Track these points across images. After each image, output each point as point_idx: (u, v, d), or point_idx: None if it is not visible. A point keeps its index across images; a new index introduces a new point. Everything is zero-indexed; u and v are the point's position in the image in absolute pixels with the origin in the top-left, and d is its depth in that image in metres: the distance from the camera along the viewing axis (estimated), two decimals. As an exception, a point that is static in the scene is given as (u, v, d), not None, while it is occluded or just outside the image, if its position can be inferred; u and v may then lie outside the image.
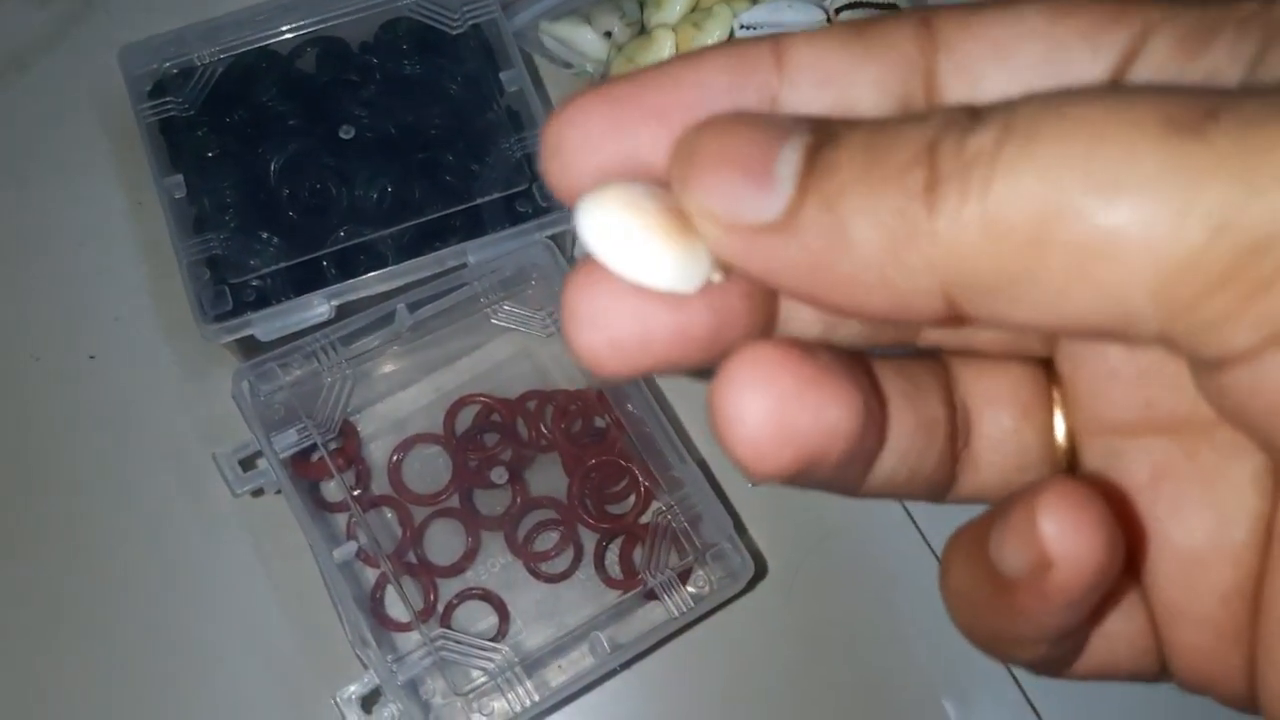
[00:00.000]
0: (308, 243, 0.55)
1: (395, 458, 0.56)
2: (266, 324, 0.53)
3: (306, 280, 0.54)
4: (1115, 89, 0.16)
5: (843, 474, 0.18)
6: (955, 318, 0.16)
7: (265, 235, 0.55)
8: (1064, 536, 0.16)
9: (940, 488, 0.21)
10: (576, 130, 0.18)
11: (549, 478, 0.56)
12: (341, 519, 0.54)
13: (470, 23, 0.60)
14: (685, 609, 0.50)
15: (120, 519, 0.55)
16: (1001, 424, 0.21)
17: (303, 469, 0.53)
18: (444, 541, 0.54)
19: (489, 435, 0.56)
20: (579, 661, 0.51)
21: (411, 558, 0.54)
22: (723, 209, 0.16)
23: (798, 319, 0.19)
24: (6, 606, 0.54)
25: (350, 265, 0.55)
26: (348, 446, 0.55)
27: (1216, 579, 0.18)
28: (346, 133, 0.57)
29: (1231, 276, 0.14)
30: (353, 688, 0.47)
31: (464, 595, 0.53)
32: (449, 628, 0.52)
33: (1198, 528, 0.18)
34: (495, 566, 0.54)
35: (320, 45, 0.60)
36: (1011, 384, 0.21)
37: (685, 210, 0.17)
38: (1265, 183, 0.13)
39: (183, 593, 0.54)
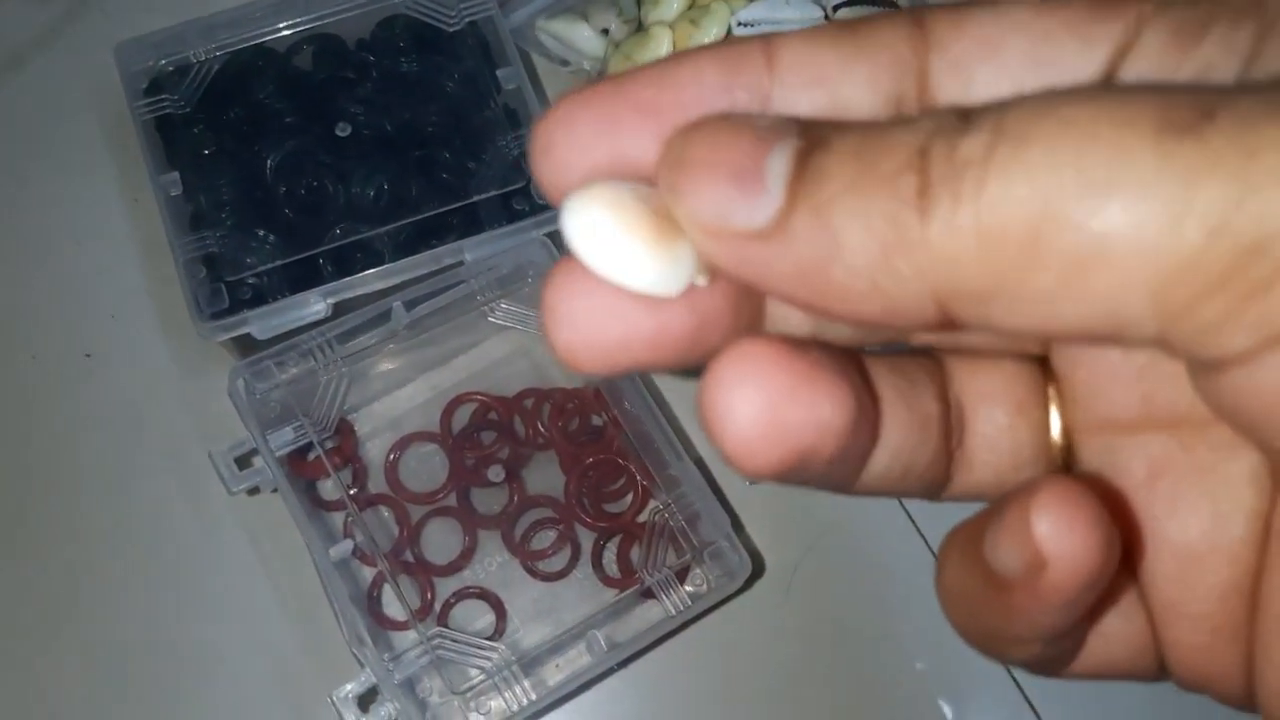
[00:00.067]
0: (304, 240, 0.55)
1: (392, 456, 0.56)
2: (263, 322, 0.53)
3: (303, 278, 0.54)
4: (1108, 89, 0.16)
5: (835, 471, 0.18)
6: (948, 323, 0.16)
7: (262, 233, 0.55)
8: (1058, 536, 0.16)
9: (935, 485, 0.21)
10: (567, 129, 0.17)
11: (546, 476, 0.56)
12: (338, 517, 0.54)
13: (467, 20, 0.60)
14: (682, 607, 0.50)
15: (116, 516, 0.55)
16: (995, 421, 0.21)
17: (299, 468, 0.53)
18: (441, 540, 0.54)
19: (486, 433, 0.56)
20: (576, 660, 0.51)
21: (408, 556, 0.54)
22: (711, 216, 0.16)
23: (787, 317, 0.19)
24: (1, 602, 0.53)
25: (347, 263, 0.55)
26: (344, 445, 0.55)
27: (1214, 576, 0.18)
28: (343, 130, 0.57)
29: (1229, 278, 0.13)
30: (349, 686, 0.47)
31: (461, 594, 0.53)
32: (446, 626, 0.52)
33: (1194, 525, 0.18)
34: (492, 565, 0.54)
35: (317, 43, 0.60)
36: (1006, 381, 0.21)
37: (674, 215, 0.16)
38: (1262, 181, 0.13)
39: (178, 591, 0.54)
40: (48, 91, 0.64)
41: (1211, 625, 0.18)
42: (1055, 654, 0.20)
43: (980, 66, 0.17)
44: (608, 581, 0.53)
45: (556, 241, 0.55)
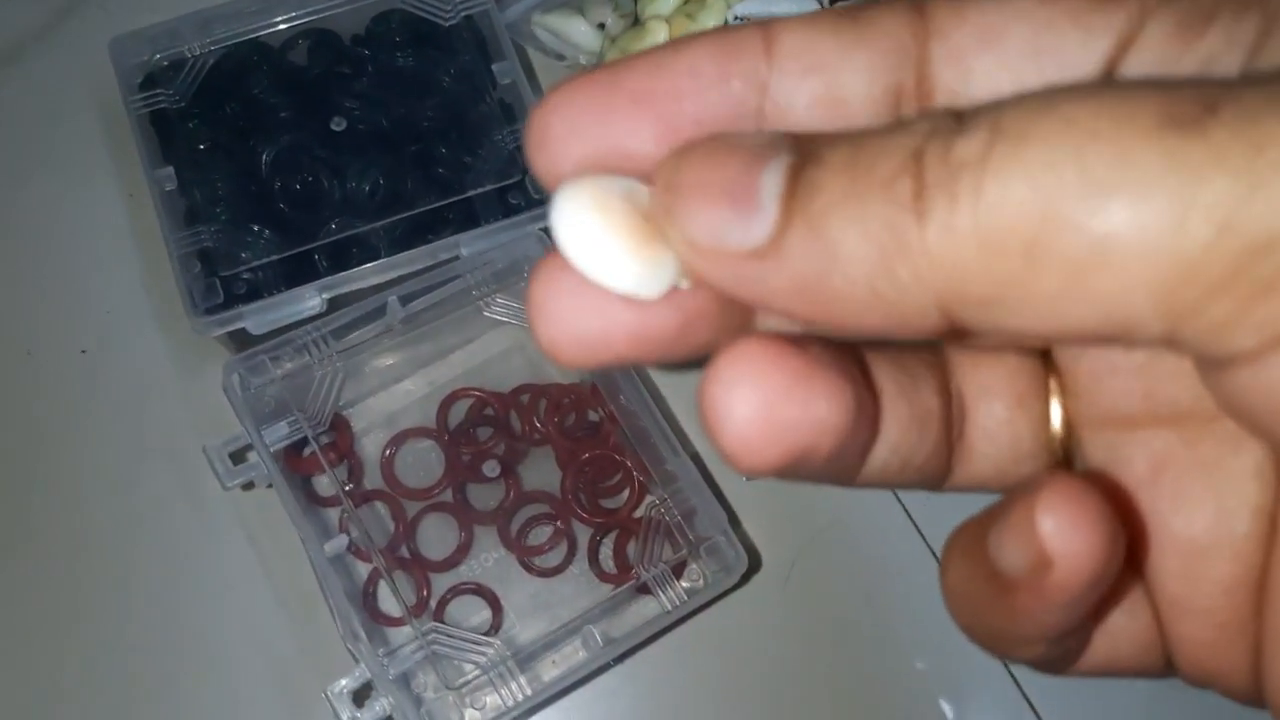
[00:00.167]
0: (299, 235, 0.55)
1: (388, 452, 0.55)
2: (258, 317, 0.53)
3: (298, 273, 0.54)
4: (1108, 84, 0.15)
5: (834, 467, 0.18)
6: (955, 331, 0.15)
7: (257, 228, 0.54)
8: (1063, 534, 0.16)
9: (935, 478, 0.21)
10: (562, 119, 0.17)
11: (542, 472, 0.56)
12: (333, 513, 0.54)
13: (463, 14, 0.60)
14: (679, 603, 0.50)
15: (110, 510, 0.55)
16: (996, 414, 0.21)
17: (294, 463, 0.53)
18: (437, 536, 0.54)
19: (482, 429, 0.56)
20: (572, 656, 0.51)
21: (404, 552, 0.53)
22: (707, 237, 0.16)
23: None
24: (-4, 601, 0.53)
25: (342, 258, 0.55)
26: (340, 440, 0.55)
27: (1219, 571, 0.18)
28: (338, 125, 0.57)
29: (1235, 277, 0.13)
30: (344, 682, 0.47)
31: (457, 590, 0.53)
32: (441, 622, 0.51)
33: (1199, 520, 0.18)
34: (488, 561, 0.54)
35: (312, 37, 0.60)
36: (1007, 374, 0.21)
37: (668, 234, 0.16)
38: (1268, 177, 0.13)
39: (173, 586, 0.54)
40: (43, 86, 0.64)
41: (1218, 620, 0.18)
42: (1061, 652, 0.19)
43: (981, 55, 0.17)
44: (604, 577, 0.53)
45: (552, 236, 0.55)
